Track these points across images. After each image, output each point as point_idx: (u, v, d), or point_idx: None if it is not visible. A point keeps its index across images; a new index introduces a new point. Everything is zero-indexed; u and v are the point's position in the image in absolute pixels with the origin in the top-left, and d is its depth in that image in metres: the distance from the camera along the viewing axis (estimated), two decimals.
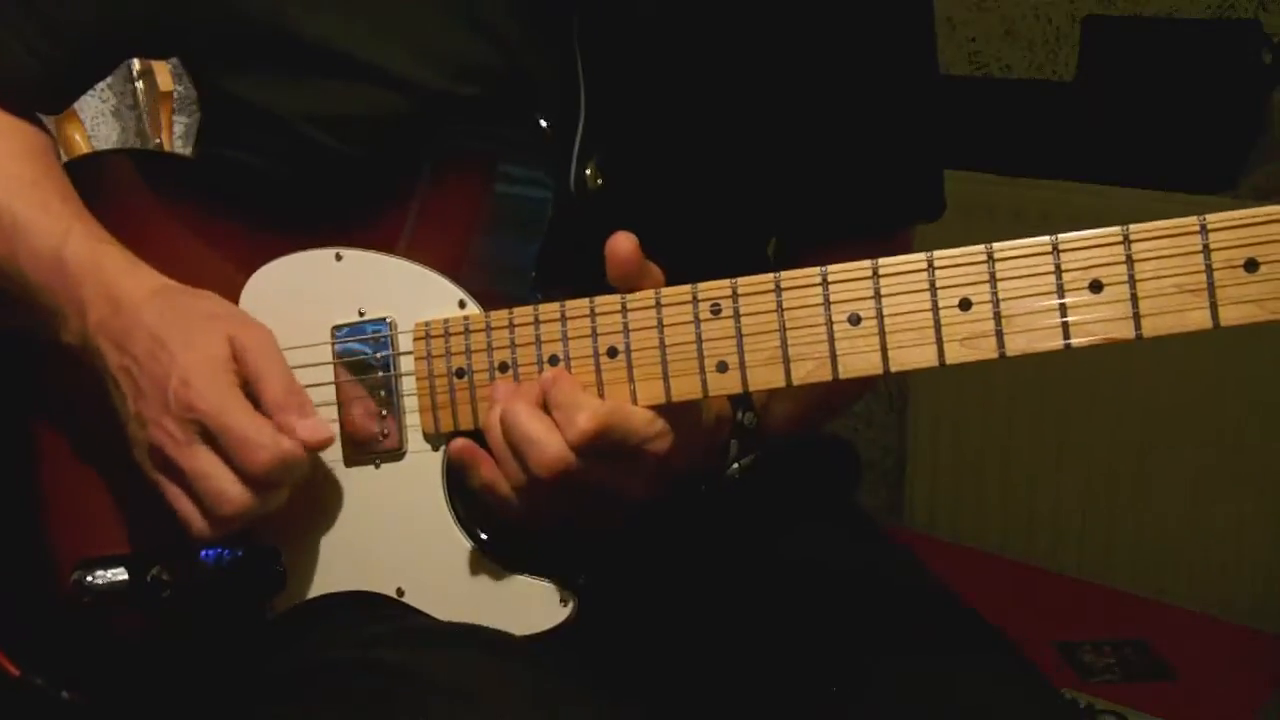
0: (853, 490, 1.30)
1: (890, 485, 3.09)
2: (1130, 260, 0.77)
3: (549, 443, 0.89)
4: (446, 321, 0.99)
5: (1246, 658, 2.47)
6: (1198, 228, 0.75)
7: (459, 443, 0.96)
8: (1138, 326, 0.77)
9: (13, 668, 1.14)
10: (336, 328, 1.04)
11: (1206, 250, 0.75)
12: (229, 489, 0.95)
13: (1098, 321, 0.78)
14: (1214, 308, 0.75)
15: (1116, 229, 0.77)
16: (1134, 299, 0.77)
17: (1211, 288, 0.75)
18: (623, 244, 0.89)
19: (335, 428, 1.04)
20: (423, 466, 1.01)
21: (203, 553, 1.07)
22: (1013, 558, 2.83)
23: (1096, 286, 0.78)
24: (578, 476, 0.90)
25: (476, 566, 0.99)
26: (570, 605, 0.96)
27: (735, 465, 1.03)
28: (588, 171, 1.01)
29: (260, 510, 0.98)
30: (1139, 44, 2.60)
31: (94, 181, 1.15)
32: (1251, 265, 0.74)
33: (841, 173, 1.15)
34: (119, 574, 1.09)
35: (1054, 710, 1.04)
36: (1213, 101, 2.48)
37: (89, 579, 1.09)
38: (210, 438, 0.96)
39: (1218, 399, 2.48)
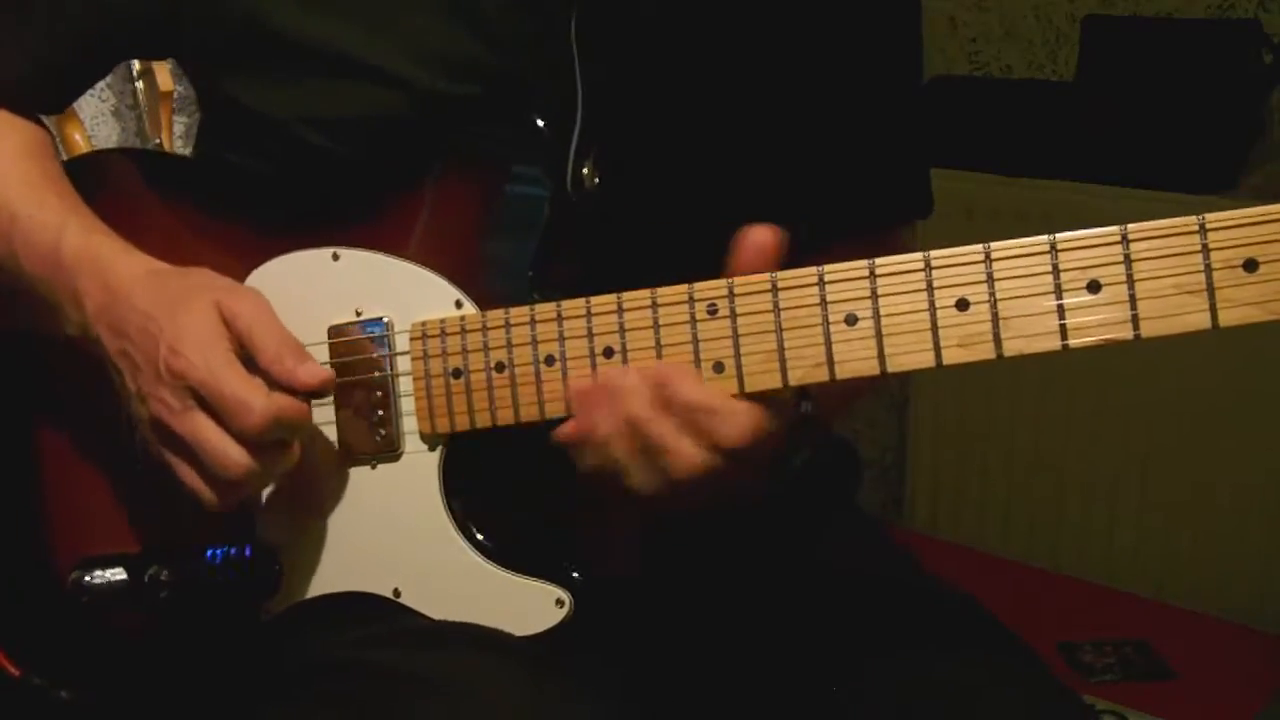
0: (854, 491, 1.30)
1: (890, 485, 3.09)
2: (1128, 260, 0.76)
3: (689, 452, 0.88)
4: (443, 321, 0.99)
5: (1246, 658, 2.46)
6: (1196, 227, 0.75)
7: (566, 428, 0.93)
8: (1136, 327, 0.76)
9: (13, 668, 1.13)
10: (333, 327, 1.04)
11: (1205, 250, 0.74)
12: (230, 451, 0.95)
13: (1096, 322, 0.77)
14: (1213, 308, 0.75)
15: (1115, 228, 0.76)
16: (1132, 299, 0.76)
17: (1210, 288, 0.74)
18: (763, 235, 0.89)
19: (332, 429, 1.04)
20: (419, 467, 1.01)
21: (201, 553, 1.07)
22: (1013, 558, 2.82)
23: (1095, 287, 0.77)
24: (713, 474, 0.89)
25: (473, 567, 0.99)
26: (566, 606, 0.96)
27: (796, 459, 1.02)
28: (584, 170, 1.01)
29: (266, 473, 0.97)
30: (1139, 44, 2.60)
31: (93, 182, 1.15)
32: (1251, 265, 0.74)
33: (831, 171, 1.15)
34: (118, 574, 1.09)
35: (1065, 706, 1.03)
36: (1213, 101, 2.48)
37: (88, 578, 1.09)
38: (205, 403, 0.95)
39: (1219, 399, 2.48)
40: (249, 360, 0.97)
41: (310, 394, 0.97)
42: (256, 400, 0.94)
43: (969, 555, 2.83)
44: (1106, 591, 2.70)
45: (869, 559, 1.16)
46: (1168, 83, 2.52)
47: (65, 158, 1.22)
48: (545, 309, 0.94)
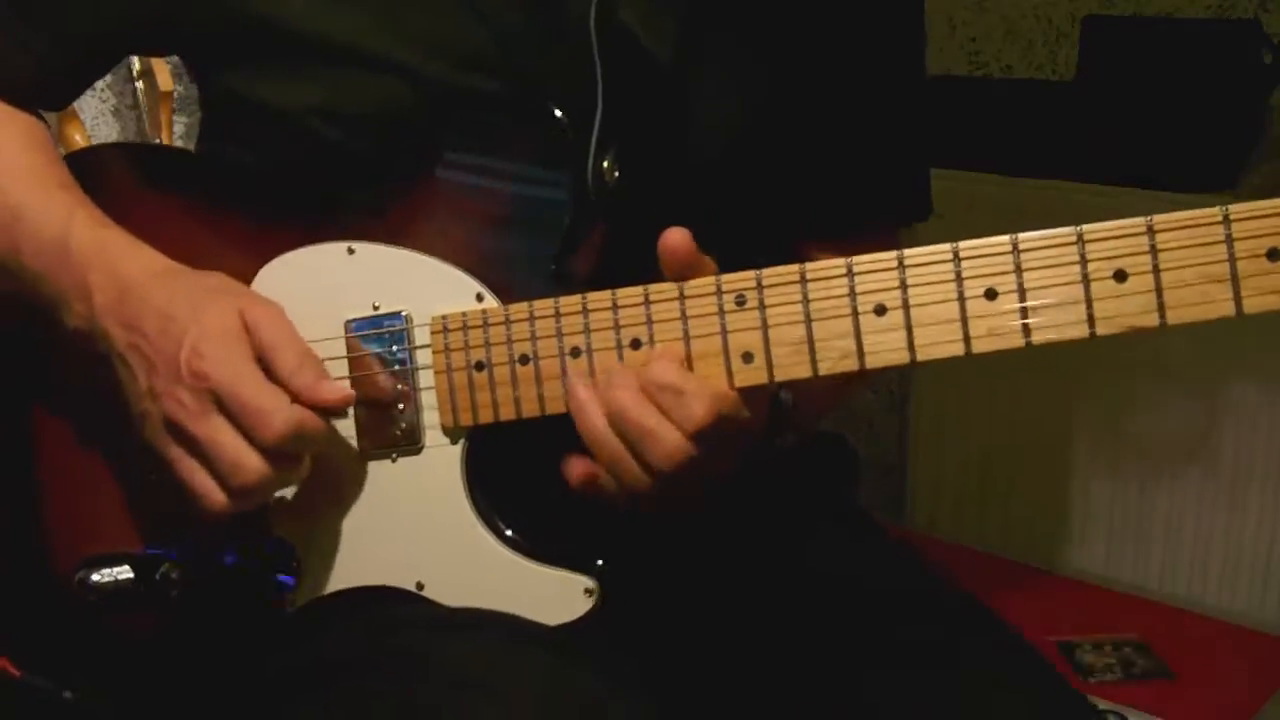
0: (852, 489, 1.30)
1: (890, 485, 3.09)
2: (1154, 250, 0.78)
3: (666, 435, 0.89)
4: (465, 315, 0.99)
5: (1246, 658, 2.47)
6: (1220, 218, 0.77)
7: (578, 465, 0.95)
8: (1162, 315, 0.78)
9: (14, 669, 1.13)
10: (350, 321, 1.04)
11: (1230, 240, 0.77)
12: (246, 458, 0.94)
13: (1123, 311, 0.79)
14: (1237, 297, 0.77)
15: (1140, 220, 0.78)
16: (1158, 289, 0.78)
17: (1235, 278, 0.77)
18: (676, 238, 0.90)
19: (351, 422, 1.03)
20: (441, 459, 1.01)
21: (216, 550, 1.07)
22: (1013, 558, 2.83)
23: (1121, 276, 0.79)
24: (693, 463, 0.90)
25: (498, 559, 0.99)
26: (594, 596, 0.96)
27: (779, 445, 1.03)
28: (605, 164, 1.00)
29: (278, 483, 0.97)
30: (1139, 44, 2.61)
31: (97, 176, 1.15)
32: (1274, 254, 0.76)
33: (832, 171, 1.15)
34: (124, 572, 1.08)
35: (1067, 704, 1.03)
36: (1213, 101, 2.48)
37: (94, 577, 1.08)
38: (224, 408, 0.95)
39: (1218, 400, 2.49)
40: (266, 371, 0.97)
41: (328, 410, 0.97)
42: (278, 410, 0.94)
43: (969, 555, 2.83)
44: (1106, 592, 2.70)
45: (870, 557, 1.17)
46: (1168, 83, 2.53)
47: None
48: (570, 301, 0.95)
